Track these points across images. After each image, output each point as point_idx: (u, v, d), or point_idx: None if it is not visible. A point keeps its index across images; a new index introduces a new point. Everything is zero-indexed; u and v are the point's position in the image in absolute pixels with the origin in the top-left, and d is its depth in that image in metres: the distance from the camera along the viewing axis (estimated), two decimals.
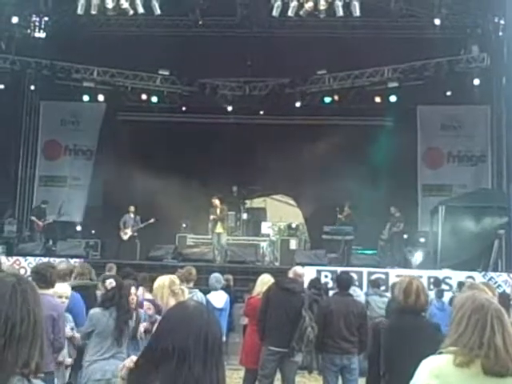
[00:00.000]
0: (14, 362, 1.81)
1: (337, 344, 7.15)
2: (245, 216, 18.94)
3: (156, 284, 5.65)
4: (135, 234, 16.91)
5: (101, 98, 19.36)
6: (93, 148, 20.44)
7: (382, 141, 18.04)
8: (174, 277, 5.86)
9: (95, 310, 5.83)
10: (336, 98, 18.89)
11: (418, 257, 16.30)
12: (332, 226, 16.84)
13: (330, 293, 10.40)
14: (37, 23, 18.15)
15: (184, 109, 19.99)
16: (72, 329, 6.08)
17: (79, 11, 15.25)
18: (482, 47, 16.24)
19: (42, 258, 13.89)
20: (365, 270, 13.44)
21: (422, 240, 17.26)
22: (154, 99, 19.50)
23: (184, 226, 18.42)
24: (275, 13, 15.23)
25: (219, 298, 8.87)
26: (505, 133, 16.32)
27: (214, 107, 19.42)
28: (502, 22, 15.35)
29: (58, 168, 20.48)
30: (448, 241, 14.98)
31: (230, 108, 19.65)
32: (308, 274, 11.39)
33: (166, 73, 19.03)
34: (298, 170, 18.61)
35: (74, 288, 6.71)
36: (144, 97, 19.45)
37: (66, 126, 20.50)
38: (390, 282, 11.52)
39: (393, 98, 18.29)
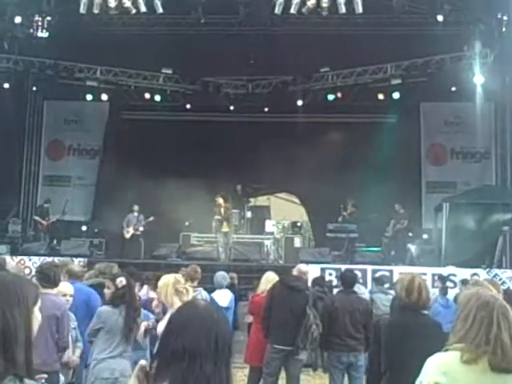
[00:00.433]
0: (3, 363, 1.82)
1: (343, 341, 7.13)
2: (249, 214, 18.96)
3: (161, 282, 5.65)
4: (137, 232, 16.92)
5: (104, 97, 19.42)
6: (97, 147, 20.49)
7: (385, 138, 17.96)
8: (178, 276, 5.86)
9: (104, 308, 5.84)
10: (339, 95, 18.84)
11: (413, 249, 16.16)
12: (336, 223, 16.82)
13: (334, 291, 10.38)
14: (39, 23, 18.10)
15: (187, 107, 20.01)
16: (74, 328, 6.06)
17: (82, 10, 15.30)
18: (485, 43, 16.17)
19: (47, 257, 13.91)
20: (369, 268, 13.44)
21: (426, 237, 17.21)
22: (158, 98, 19.55)
23: (187, 224, 18.42)
24: (277, 10, 15.24)
25: (224, 297, 8.86)
26: (508, 129, 16.30)
27: (218, 105, 19.44)
28: (505, 17, 15.30)
29: (62, 167, 20.55)
30: (452, 238, 14.94)
31: (232, 106, 19.67)
32: (312, 271, 11.41)
33: (169, 71, 19.05)
34: (302, 167, 18.58)
35: (91, 286, 6.82)
36: (147, 95, 19.51)
37: (69, 125, 20.56)
38: (395, 280, 11.50)
39: (396, 95, 18.27)
